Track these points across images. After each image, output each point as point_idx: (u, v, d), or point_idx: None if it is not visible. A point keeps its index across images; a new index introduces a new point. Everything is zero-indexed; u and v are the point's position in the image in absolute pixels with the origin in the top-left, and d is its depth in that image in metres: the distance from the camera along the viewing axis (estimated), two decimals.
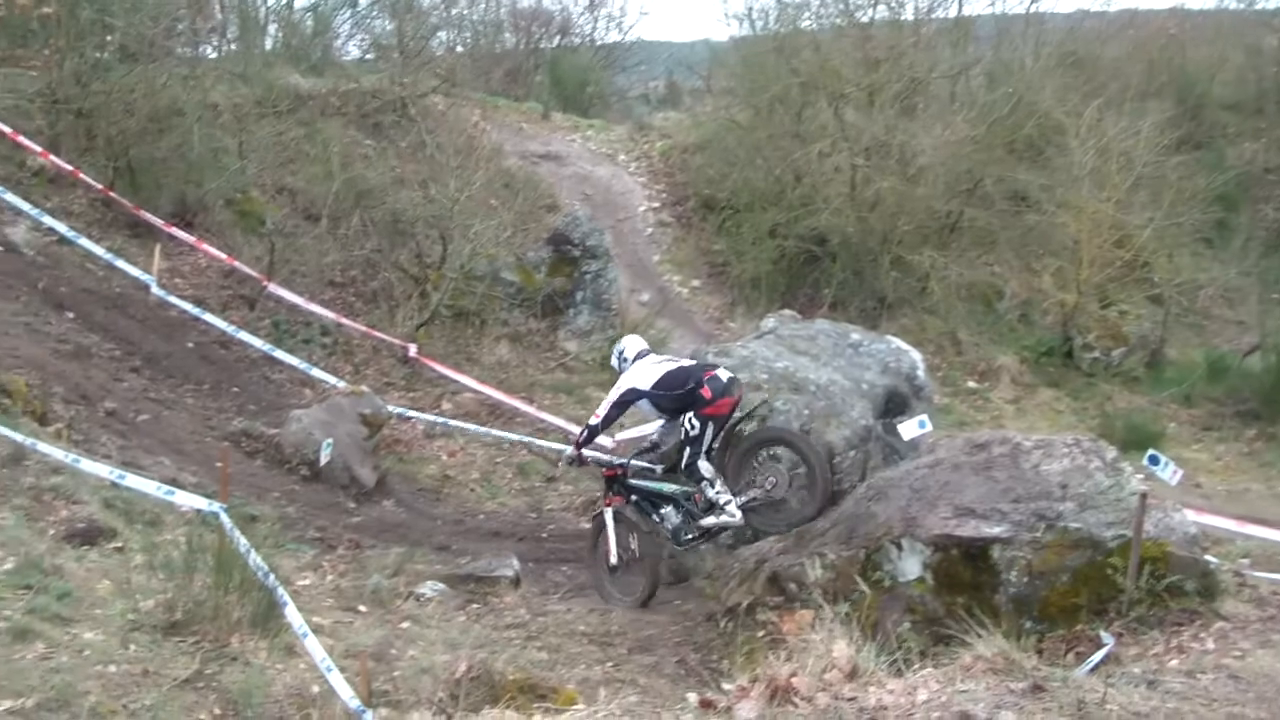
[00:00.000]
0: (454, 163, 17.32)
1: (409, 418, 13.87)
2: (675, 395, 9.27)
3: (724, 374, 9.32)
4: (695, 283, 21.40)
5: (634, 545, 9.48)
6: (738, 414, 9.40)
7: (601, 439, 10.15)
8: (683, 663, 7.97)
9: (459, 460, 13.54)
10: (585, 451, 9.70)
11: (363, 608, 8.23)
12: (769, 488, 9.23)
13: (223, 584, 6.64)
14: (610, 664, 7.76)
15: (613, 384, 9.70)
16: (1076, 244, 18.65)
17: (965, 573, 7.22)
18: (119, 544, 7.79)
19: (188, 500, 7.46)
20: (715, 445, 9.26)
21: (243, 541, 6.75)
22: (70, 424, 9.94)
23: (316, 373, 13.92)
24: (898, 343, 11.22)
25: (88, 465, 7.93)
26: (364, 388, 13.01)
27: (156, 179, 15.53)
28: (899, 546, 7.44)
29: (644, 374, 9.48)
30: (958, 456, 7.93)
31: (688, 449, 9.20)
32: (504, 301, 17.07)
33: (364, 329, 15.33)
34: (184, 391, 12.57)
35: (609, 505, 9.58)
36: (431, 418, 13.94)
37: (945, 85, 22.58)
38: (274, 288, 14.95)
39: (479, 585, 9.35)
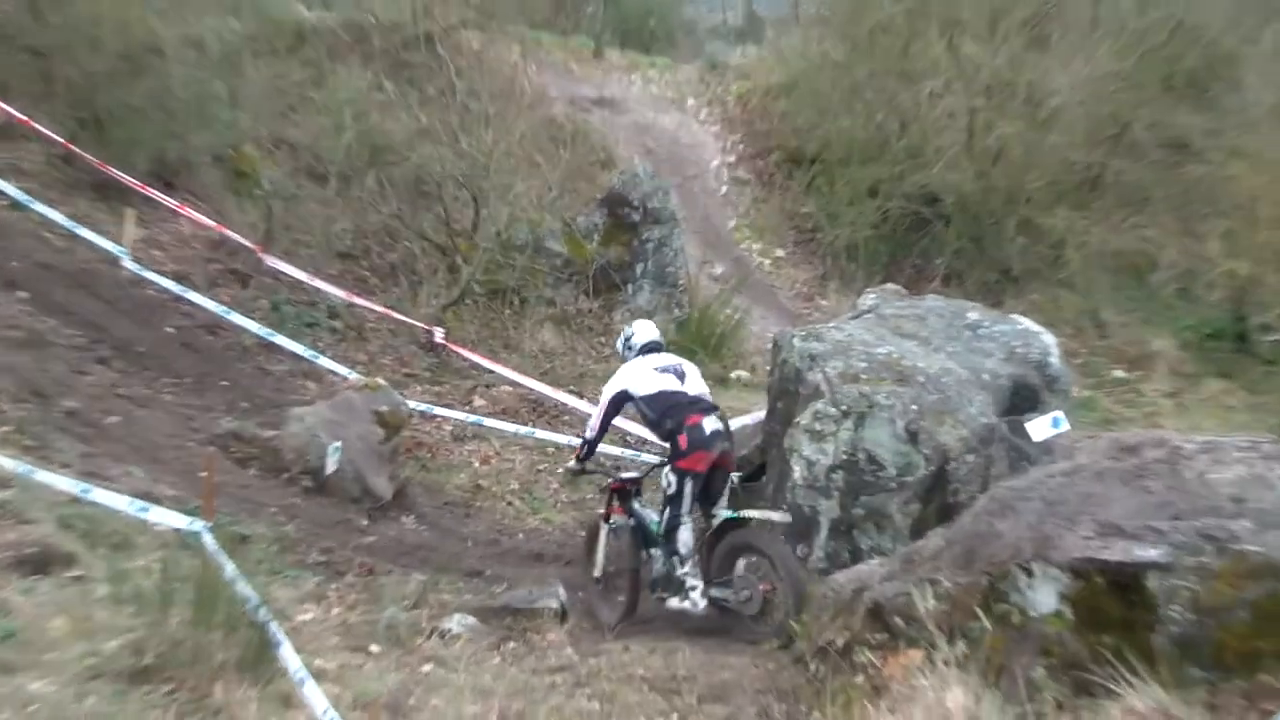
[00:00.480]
0: (489, 110, 17.30)
1: (434, 416, 13.83)
2: (653, 423, 9.77)
3: (712, 423, 9.56)
4: (779, 252, 21.26)
5: (620, 560, 10.17)
6: (734, 478, 9.91)
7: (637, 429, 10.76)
8: (764, 714, 7.83)
9: (494, 467, 13.49)
10: (589, 464, 10.42)
11: (376, 647, 8.16)
12: (742, 599, 9.42)
13: (205, 619, 6.56)
14: (676, 716, 7.64)
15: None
16: (1252, 201, 18.20)
17: (1113, 606, 6.98)
18: (78, 572, 7.69)
19: (164, 518, 7.45)
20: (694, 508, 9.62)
21: (230, 567, 6.71)
22: (21, 426, 9.93)
23: (323, 362, 13.94)
24: (1026, 323, 11.02)
25: (42, 476, 7.94)
26: (380, 380, 12.98)
27: (129, 131, 15.51)
28: (1029, 573, 7.22)
29: (642, 377, 9.93)
30: (1102, 462, 7.70)
31: (666, 509, 9.62)
32: (549, 276, 17.02)
33: (380, 309, 15.34)
34: (161, 386, 12.57)
35: (611, 514, 10.27)
36: (461, 416, 13.90)
37: (1084, 8, 22.14)
38: (272, 260, 15.00)
39: (517, 619, 9.27)
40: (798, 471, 9.70)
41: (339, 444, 11.41)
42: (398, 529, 11.57)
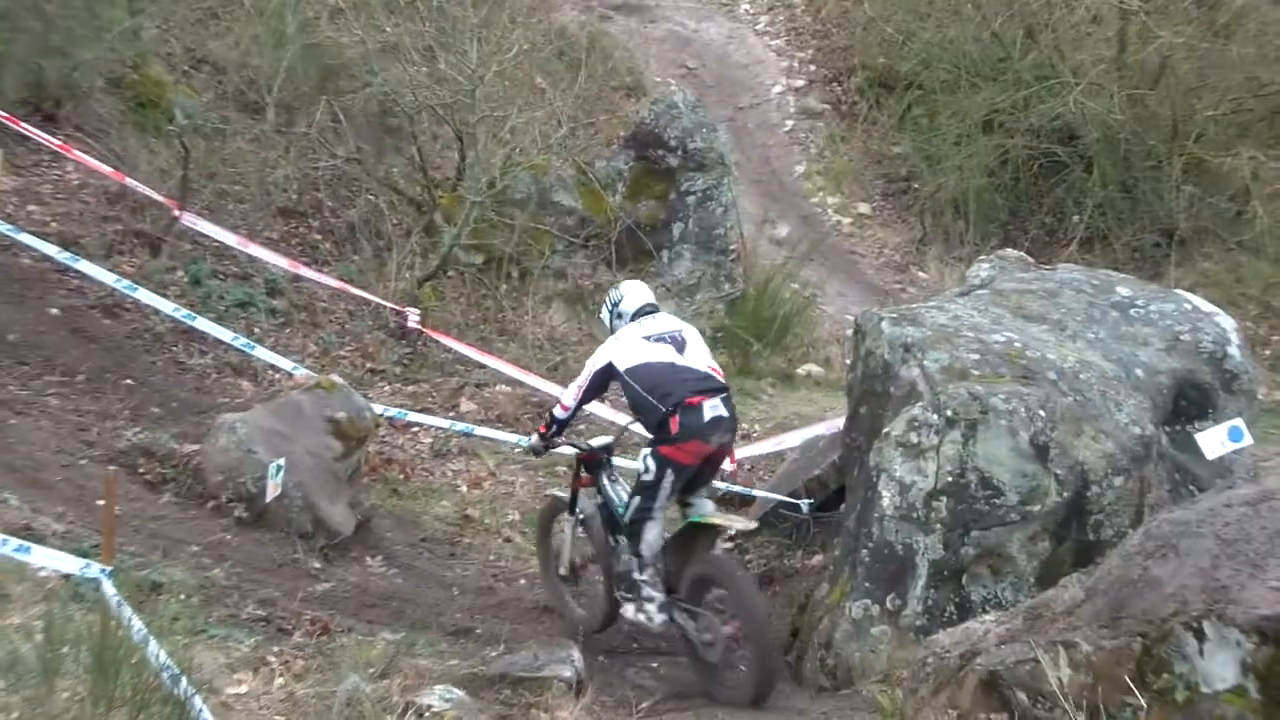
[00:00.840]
0: (476, 18, 17.30)
1: (408, 425, 13.86)
2: (641, 401, 10.01)
3: (714, 408, 9.86)
4: (863, 207, 21.25)
5: (590, 554, 10.93)
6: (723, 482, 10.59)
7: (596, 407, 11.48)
8: None
9: (487, 492, 13.53)
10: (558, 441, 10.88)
11: None
12: (704, 640, 9.86)
13: (104, 694, 6.59)
14: None
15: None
16: None
17: None
18: None
19: (50, 560, 7.49)
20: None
21: (138, 625, 6.74)
22: None
23: (260, 354, 13.94)
24: (1196, 301, 10.95)
25: None
26: (336, 378, 12.98)
27: None
28: (1200, 634, 7.19)
29: (628, 347, 10.28)
30: None
31: (636, 498, 10.04)
32: (558, 240, 17.03)
33: (336, 284, 15.38)
34: (44, 386, 12.64)
35: (574, 490, 10.88)
36: (444, 424, 13.92)
37: None
38: (191, 219, 15.01)
39: (518, 692, 9.26)
40: (887, 498, 9.69)
41: (281, 462, 11.41)
42: (360, 573, 11.60)
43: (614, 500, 10.57)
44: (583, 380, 10.44)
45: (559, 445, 10.98)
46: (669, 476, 9.81)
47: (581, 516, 10.83)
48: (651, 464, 9.82)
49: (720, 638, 9.75)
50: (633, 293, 10.83)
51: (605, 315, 10.90)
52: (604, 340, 10.72)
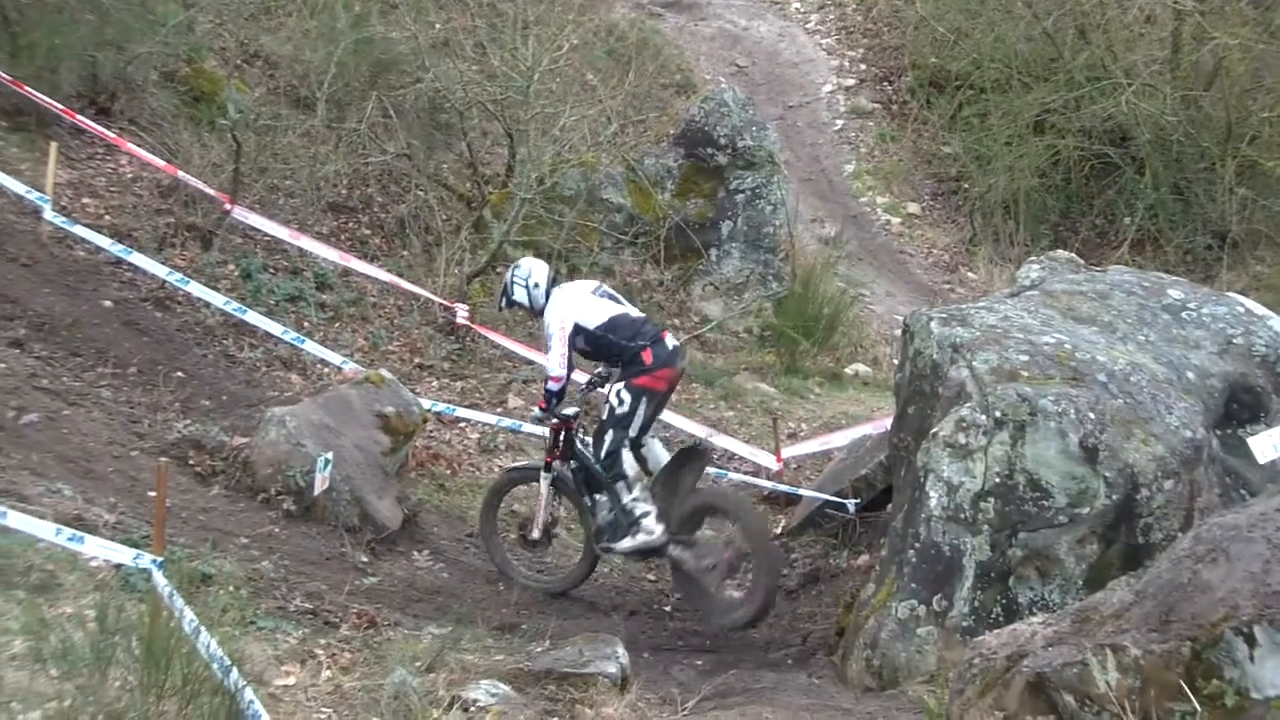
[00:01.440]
0: (528, 15, 17.32)
1: (456, 420, 13.88)
2: (620, 347, 11.11)
3: (672, 340, 11.37)
4: (912, 207, 21.19)
5: (554, 516, 11.83)
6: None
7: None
8: None
9: (533, 488, 13.53)
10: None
11: None
12: (705, 566, 10.92)
13: (155, 684, 6.62)
14: None
15: (532, 320, 12.07)
16: None
17: None
18: None
19: (101, 550, 7.51)
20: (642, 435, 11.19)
21: (189, 616, 6.75)
22: None
23: (310, 347, 14.02)
24: (1249, 304, 10.86)
25: None
26: (385, 373, 13.04)
27: (50, 37, 15.59)
28: (1250, 639, 7.15)
29: (585, 306, 11.31)
30: None
31: (609, 432, 11.04)
32: (606, 237, 17.04)
33: (386, 279, 15.43)
34: (96, 378, 12.69)
35: (550, 461, 11.61)
36: (491, 420, 13.96)
37: None
38: (242, 213, 15.09)
39: (563, 687, 9.26)
40: (935, 499, 9.65)
41: (330, 456, 11.46)
42: (407, 568, 11.63)
43: (590, 460, 11.37)
44: (561, 348, 11.23)
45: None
46: (643, 405, 10.97)
47: (553, 476, 11.59)
48: (626, 396, 10.94)
49: (723, 562, 10.85)
50: (538, 268, 11.77)
51: (520, 293, 11.65)
52: (556, 313, 11.32)
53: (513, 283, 11.71)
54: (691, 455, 11.43)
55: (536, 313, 11.65)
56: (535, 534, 11.78)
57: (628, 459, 11.07)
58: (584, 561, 11.70)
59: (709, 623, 11.02)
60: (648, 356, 10.99)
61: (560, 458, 11.62)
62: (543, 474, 11.69)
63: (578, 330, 11.22)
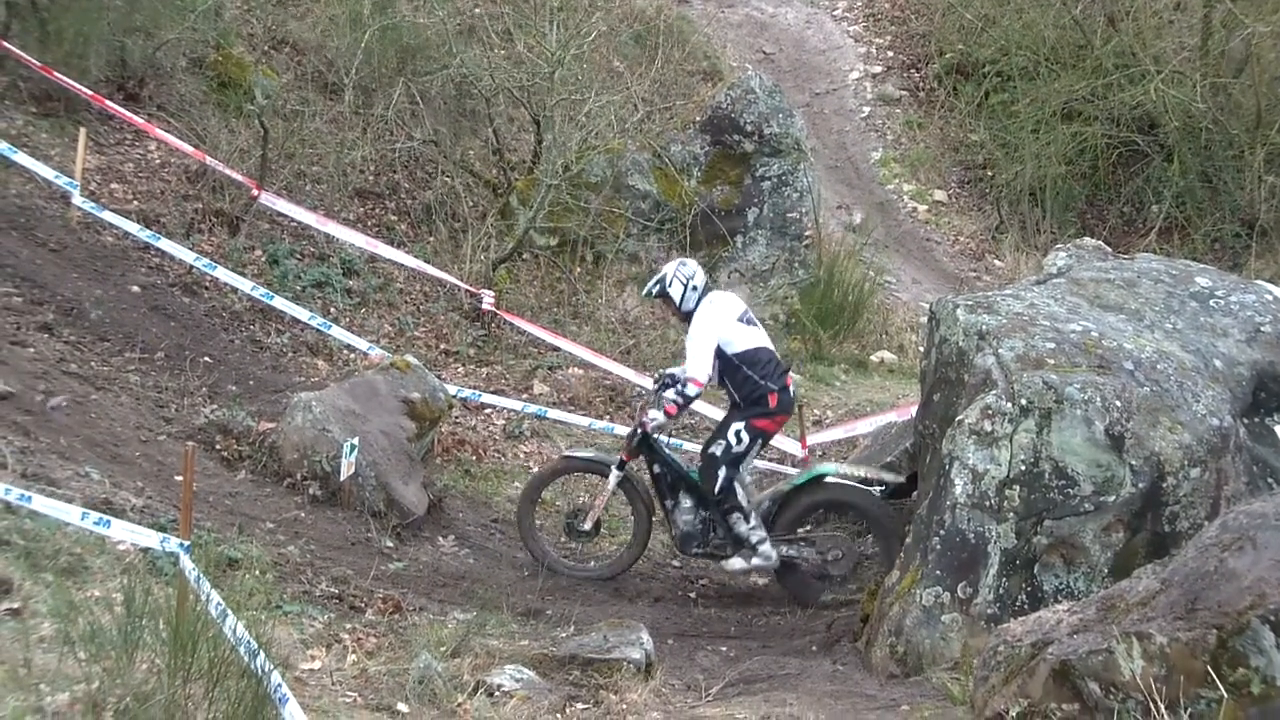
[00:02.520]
0: (555, 1, 17.31)
1: (481, 406, 13.89)
2: (752, 383, 11.21)
3: (793, 386, 11.53)
4: (939, 194, 21.13)
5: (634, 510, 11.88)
6: None
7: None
8: None
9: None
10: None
11: (404, 707, 8.21)
12: (829, 558, 11.44)
13: (182, 667, 6.64)
14: None
15: (672, 316, 12.15)
16: None
17: None
18: (14, 604, 7.82)
19: (129, 534, 7.53)
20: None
21: (216, 600, 6.77)
22: None
23: (336, 333, 14.08)
24: (1276, 292, 10.80)
25: None
26: (411, 359, 13.06)
27: (78, 22, 15.63)
28: (1277, 627, 7.14)
29: (731, 329, 11.34)
30: None
31: (723, 469, 11.18)
32: (632, 224, 17.02)
33: (412, 265, 15.45)
34: (124, 362, 12.74)
35: (625, 460, 11.69)
36: (517, 406, 13.99)
37: None
38: (269, 199, 15.13)
39: (587, 673, 9.27)
40: (960, 486, 9.63)
41: (356, 441, 11.49)
42: (432, 553, 11.66)
43: (681, 467, 11.69)
44: (705, 362, 11.21)
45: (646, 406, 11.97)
46: (757, 446, 11.32)
47: (620, 477, 11.70)
48: (746, 436, 11.15)
49: (850, 555, 11.42)
50: (700, 272, 11.71)
51: (679, 290, 11.54)
52: (706, 323, 11.32)
53: (675, 278, 11.62)
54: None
55: (683, 314, 11.60)
56: (587, 525, 11.94)
57: (743, 493, 11.27)
58: (636, 548, 11.90)
59: (814, 602, 11.42)
60: (773, 400, 11.19)
61: (633, 458, 11.78)
62: (614, 470, 11.72)
63: (716, 352, 11.28)
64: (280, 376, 13.57)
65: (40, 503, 7.80)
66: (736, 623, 11.09)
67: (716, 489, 11.19)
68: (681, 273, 11.60)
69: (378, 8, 17.37)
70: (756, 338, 11.40)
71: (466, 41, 17.60)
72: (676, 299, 11.54)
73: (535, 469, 13.49)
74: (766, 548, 11.18)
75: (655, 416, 11.61)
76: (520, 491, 12.28)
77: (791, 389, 11.43)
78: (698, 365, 11.20)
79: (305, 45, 17.60)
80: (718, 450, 11.19)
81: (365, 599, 10.07)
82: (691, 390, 11.22)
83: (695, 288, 11.50)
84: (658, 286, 11.67)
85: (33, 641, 7.28)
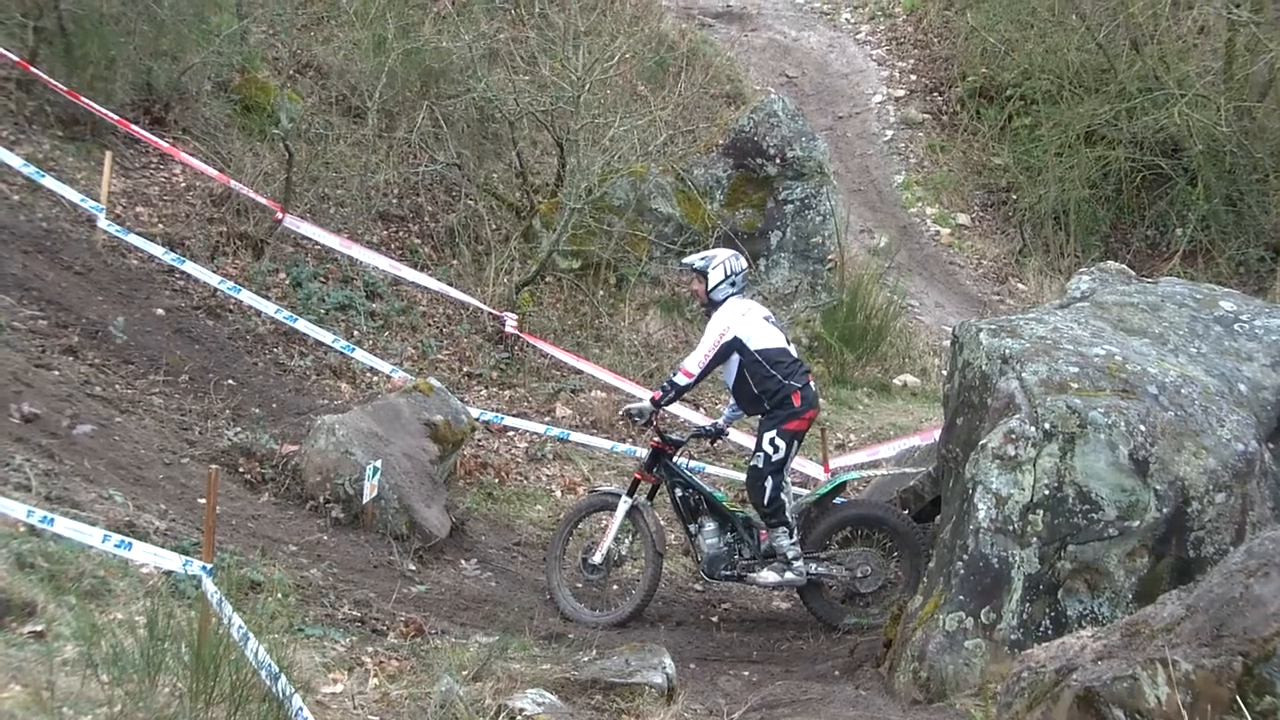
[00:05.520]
0: (579, 24, 17.34)
1: (504, 429, 13.89)
2: (775, 383, 11.07)
3: (814, 382, 11.50)
4: (961, 218, 21.12)
5: (626, 548, 11.62)
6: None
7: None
8: None
9: (581, 497, 13.54)
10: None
11: None
12: (858, 575, 11.23)
13: (204, 690, 6.65)
14: None
15: (705, 316, 11.56)
16: None
17: None
18: (38, 626, 7.80)
19: (152, 557, 7.53)
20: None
21: (238, 623, 6.77)
22: None
23: (359, 356, 14.11)
24: None
25: None
26: (433, 381, 13.08)
27: (105, 47, 15.71)
28: None
29: (754, 326, 11.26)
30: None
31: (768, 479, 11.03)
32: (655, 247, 17.03)
33: (435, 288, 15.46)
34: (149, 385, 12.76)
35: (638, 480, 11.49)
36: (539, 429, 13.98)
37: None
38: (293, 222, 15.18)
39: (609, 697, 9.25)
40: (983, 510, 9.60)
41: (379, 464, 11.50)
42: (454, 576, 11.65)
43: (704, 488, 11.66)
44: (709, 349, 11.13)
45: (657, 421, 11.64)
46: (794, 449, 11.16)
47: (631, 506, 11.44)
48: (781, 443, 11.00)
49: (879, 572, 11.21)
50: (745, 270, 11.74)
51: (718, 277, 11.41)
52: (724, 318, 11.23)
53: (722, 264, 11.51)
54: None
55: (712, 304, 11.43)
56: (596, 558, 11.52)
57: (788, 506, 11.17)
58: (648, 585, 11.43)
59: (838, 625, 11.25)
60: (797, 399, 11.06)
61: (647, 480, 11.60)
62: (622, 499, 11.50)
63: (737, 345, 11.16)
64: (303, 399, 13.58)
65: (63, 525, 7.80)
66: (759, 647, 11.06)
67: (765, 501, 11.06)
68: (731, 263, 11.52)
69: (401, 32, 17.40)
70: (779, 339, 11.33)
71: (490, 65, 17.62)
72: (712, 282, 11.40)
73: (558, 494, 13.51)
74: (801, 564, 11.06)
75: (639, 403, 11.60)
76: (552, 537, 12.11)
77: (813, 385, 11.35)
78: (696, 357, 11.18)
79: (329, 69, 17.65)
80: (759, 462, 11.07)
81: (387, 622, 10.07)
82: (680, 379, 11.18)
83: (734, 283, 11.43)
84: (702, 262, 11.55)
85: (56, 664, 7.22)
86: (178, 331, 13.69)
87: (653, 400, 11.39)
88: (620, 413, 12.36)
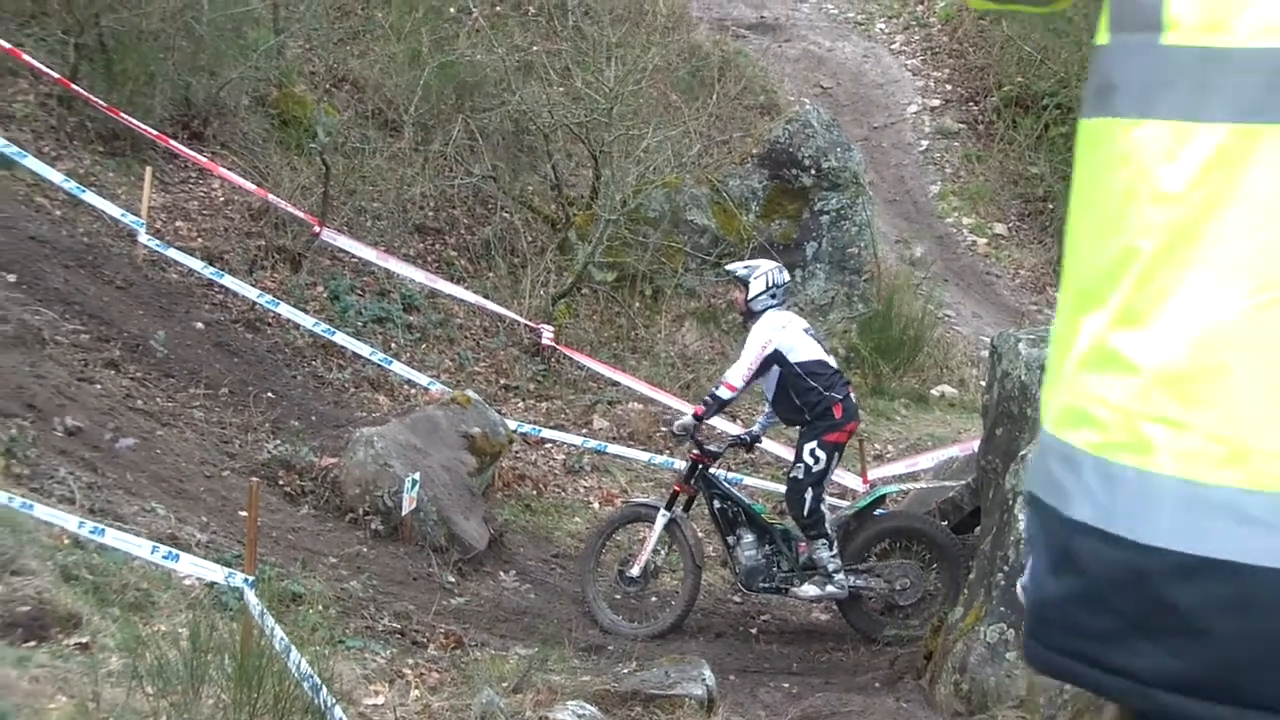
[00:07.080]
0: (612, 37, 17.36)
1: (541, 441, 13.90)
2: (815, 395, 11.03)
3: (854, 393, 11.60)
4: (999, 228, 21.04)
5: (663, 559, 11.64)
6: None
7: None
8: None
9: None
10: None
11: None
12: (897, 588, 11.21)
13: (247, 701, 6.66)
14: None
15: (743, 326, 11.78)
16: None
17: None
18: (84, 638, 7.80)
19: (194, 569, 7.56)
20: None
21: (280, 634, 6.79)
22: (10, 449, 10.14)
23: (397, 369, 14.14)
24: None
25: (38, 513, 8.08)
26: (471, 394, 13.11)
27: (144, 63, 15.81)
28: None
29: (795, 337, 11.21)
30: None
31: (809, 491, 10.98)
32: (690, 259, 17.03)
33: (472, 300, 15.50)
34: (189, 398, 12.79)
35: (676, 493, 11.51)
36: (577, 440, 14.00)
37: None
38: (331, 235, 15.21)
39: (650, 709, 9.24)
40: (1024, 522, 9.58)
41: (417, 476, 11.51)
42: (494, 588, 11.66)
43: (743, 500, 11.67)
44: (752, 362, 11.08)
45: (699, 436, 11.60)
46: (835, 460, 11.17)
47: (669, 519, 11.36)
48: (821, 454, 10.95)
49: (919, 583, 11.21)
50: (788, 285, 11.78)
51: (760, 287, 11.32)
52: (764, 330, 11.19)
53: (765, 274, 11.44)
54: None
55: (750, 314, 11.38)
56: (635, 571, 11.49)
57: (829, 518, 11.18)
58: (688, 598, 11.41)
59: (877, 637, 11.21)
60: (838, 411, 11.03)
61: (685, 491, 11.60)
62: (660, 511, 11.42)
63: (778, 358, 11.13)
64: (342, 412, 13.62)
65: (109, 537, 7.86)
66: (799, 659, 11.05)
67: (805, 513, 11.03)
68: (774, 275, 11.44)
69: (436, 45, 17.46)
70: (818, 350, 11.31)
71: (524, 78, 17.65)
72: (753, 292, 11.32)
73: (596, 505, 13.52)
74: (841, 577, 11.02)
75: (683, 419, 11.68)
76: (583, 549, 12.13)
77: (853, 396, 11.40)
78: (739, 370, 11.14)
79: (365, 83, 17.69)
80: (799, 474, 11.05)
81: (427, 634, 10.08)
82: (724, 393, 11.15)
83: (775, 295, 11.35)
84: (745, 271, 11.52)
85: (101, 676, 7.25)
86: (217, 345, 13.74)
87: (695, 415, 11.45)
88: (666, 431, 12.36)
